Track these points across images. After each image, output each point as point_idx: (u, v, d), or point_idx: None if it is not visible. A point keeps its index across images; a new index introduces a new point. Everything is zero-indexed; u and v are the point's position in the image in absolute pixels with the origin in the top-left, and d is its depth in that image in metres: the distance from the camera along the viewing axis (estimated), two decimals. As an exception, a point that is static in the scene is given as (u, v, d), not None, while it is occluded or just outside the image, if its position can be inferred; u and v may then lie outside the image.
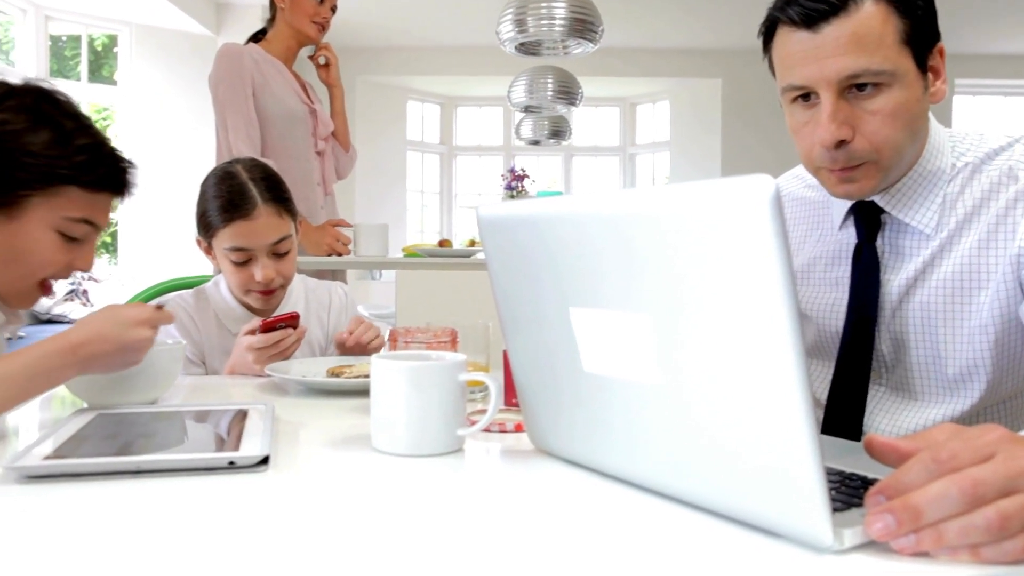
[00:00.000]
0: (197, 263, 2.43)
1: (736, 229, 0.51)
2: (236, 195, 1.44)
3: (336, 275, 2.63)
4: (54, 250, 1.05)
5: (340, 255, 2.47)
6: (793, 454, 0.53)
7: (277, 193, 1.49)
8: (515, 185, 5.14)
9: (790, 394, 0.52)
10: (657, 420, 0.64)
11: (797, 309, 0.51)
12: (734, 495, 0.59)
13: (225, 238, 1.45)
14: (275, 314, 1.42)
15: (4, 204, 1.02)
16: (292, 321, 1.34)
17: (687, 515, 0.63)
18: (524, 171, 5.29)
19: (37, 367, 0.89)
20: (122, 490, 0.69)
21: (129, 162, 1.13)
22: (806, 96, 0.96)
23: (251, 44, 2.46)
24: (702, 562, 0.54)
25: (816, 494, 0.53)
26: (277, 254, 1.48)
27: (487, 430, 0.91)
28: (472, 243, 4.17)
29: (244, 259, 1.46)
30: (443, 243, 3.05)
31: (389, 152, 7.15)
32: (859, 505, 0.60)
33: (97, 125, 1.11)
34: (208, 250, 1.52)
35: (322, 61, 2.59)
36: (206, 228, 1.48)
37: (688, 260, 0.56)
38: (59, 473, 0.72)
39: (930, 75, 0.96)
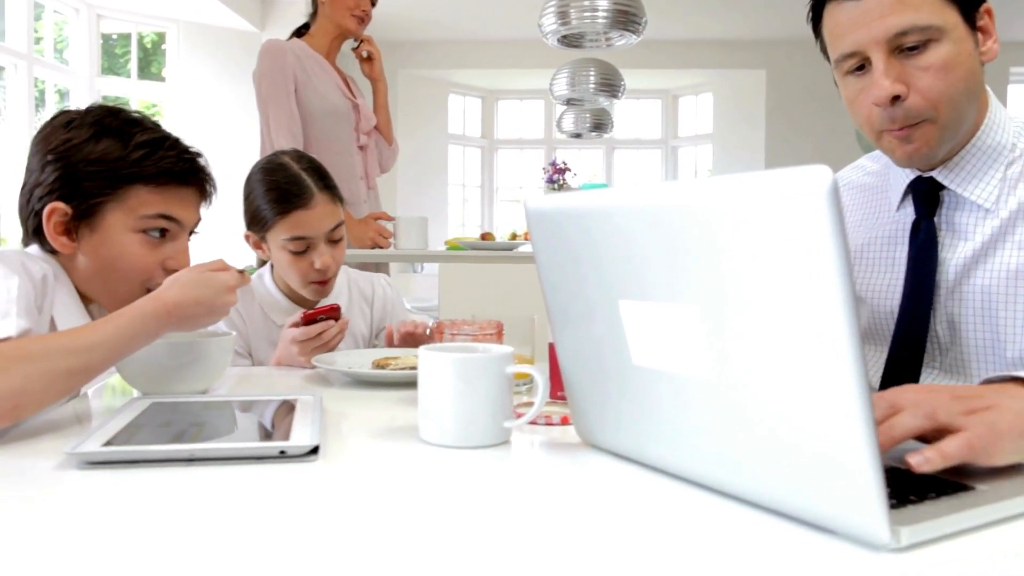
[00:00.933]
0: (242, 256, 2.47)
1: (794, 220, 0.50)
2: (292, 185, 1.46)
3: (379, 268, 2.65)
4: (141, 252, 1.10)
5: (382, 248, 2.48)
6: (849, 448, 0.52)
7: (328, 181, 1.51)
8: (556, 178, 5.12)
9: (846, 386, 0.51)
10: (707, 413, 0.63)
11: (854, 301, 0.50)
12: (786, 490, 0.58)
13: (283, 229, 1.46)
14: (316, 306, 1.43)
15: (84, 216, 1.07)
16: (333, 313, 1.35)
17: (737, 510, 0.62)
18: (565, 164, 5.26)
19: (136, 328, 0.92)
20: (176, 477, 0.71)
21: (192, 151, 1.15)
22: (860, 67, 0.97)
23: (294, 40, 2.48)
24: (753, 559, 0.53)
25: (872, 490, 0.52)
26: (332, 241, 1.50)
27: (533, 423, 0.91)
28: (513, 236, 4.17)
29: (302, 248, 1.47)
30: (485, 236, 3.05)
31: (430, 146, 7.18)
32: (915, 501, 0.59)
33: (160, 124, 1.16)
34: (258, 244, 1.54)
35: (365, 55, 2.60)
36: (259, 222, 1.50)
37: (742, 251, 0.55)
38: (117, 460, 0.74)
39: (980, 35, 0.97)
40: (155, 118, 1.22)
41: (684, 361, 0.64)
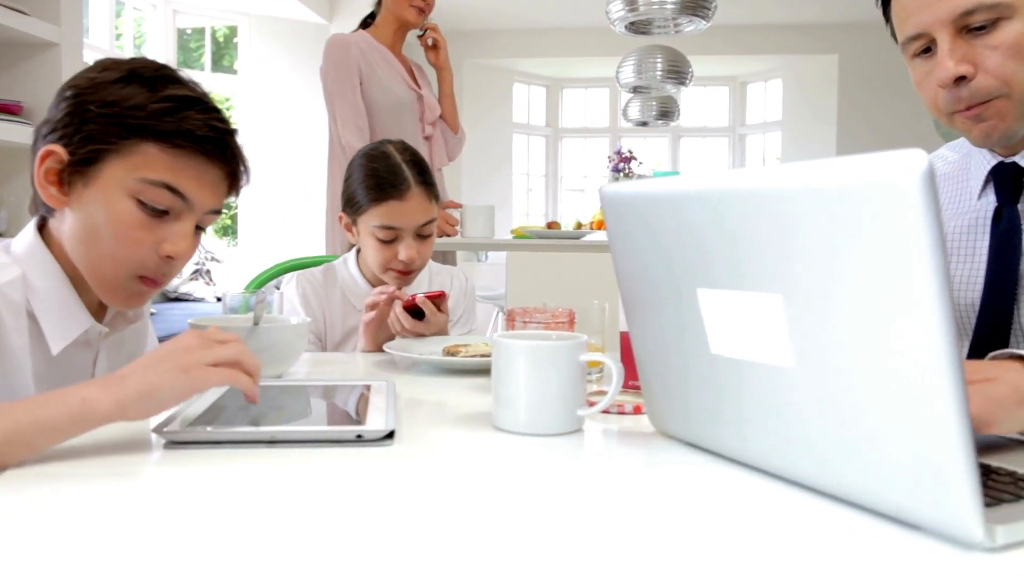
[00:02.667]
0: (314, 244, 2.52)
1: (887, 206, 0.49)
2: (391, 175, 1.49)
3: (446, 257, 2.67)
4: (132, 224, 0.91)
5: (449, 236, 2.50)
6: (941, 443, 0.50)
7: (427, 177, 1.54)
8: (622, 167, 5.08)
9: (940, 379, 0.49)
10: (789, 404, 0.62)
11: (950, 290, 0.48)
12: (873, 485, 0.57)
13: (375, 216, 1.50)
14: (414, 292, 1.44)
15: (81, 163, 0.90)
16: (439, 300, 1.37)
17: (820, 505, 0.61)
18: (631, 153, 5.21)
19: (60, 427, 0.70)
20: (256, 458, 0.72)
21: (226, 123, 0.96)
22: (926, 49, 0.95)
23: (359, 32, 2.51)
24: (838, 556, 0.52)
25: (966, 486, 0.50)
26: (421, 236, 1.53)
27: (605, 411, 0.90)
28: (579, 226, 4.15)
29: (391, 237, 1.50)
30: (551, 225, 3.05)
31: (495, 135, 7.19)
32: (1011, 500, 0.57)
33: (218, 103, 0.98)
34: (349, 226, 1.58)
35: (430, 43, 2.61)
36: (353, 205, 1.54)
37: (830, 239, 0.54)
38: (201, 440, 0.76)
39: None
40: (229, 112, 1.06)
41: (765, 350, 0.63)
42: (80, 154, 0.90)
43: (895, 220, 0.48)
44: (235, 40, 5.82)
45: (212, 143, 0.93)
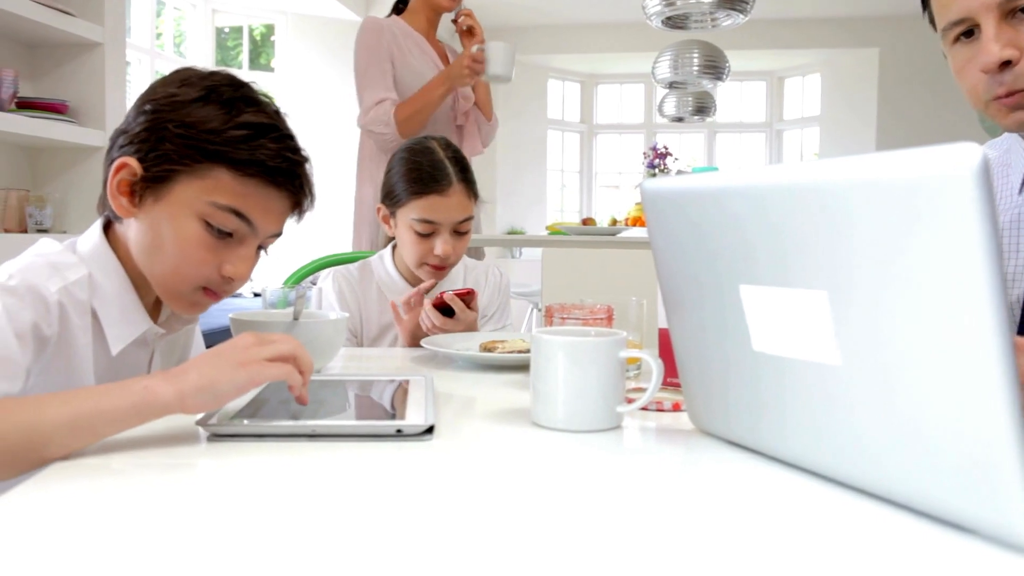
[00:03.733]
0: (348, 242, 2.53)
1: (939, 201, 0.48)
2: (433, 170, 1.50)
3: (475, 254, 2.65)
4: (197, 245, 0.94)
5: (478, 73, 2.38)
6: (994, 443, 0.49)
7: (468, 174, 1.55)
8: (657, 163, 5.05)
9: (995, 376, 0.48)
10: (834, 402, 0.61)
11: (1004, 286, 0.47)
12: (922, 486, 0.55)
13: (414, 209, 1.51)
14: (443, 290, 1.45)
15: (154, 180, 0.92)
16: (468, 297, 1.38)
17: (863, 505, 0.60)
18: (667, 149, 5.18)
19: (130, 415, 0.73)
20: (297, 451, 0.73)
21: (300, 153, 0.99)
22: (967, 32, 0.92)
23: (392, 17, 2.47)
24: (882, 558, 0.51)
25: (1019, 487, 0.49)
26: (458, 232, 1.54)
27: (644, 408, 0.90)
28: (614, 222, 4.13)
29: (428, 231, 1.51)
30: (586, 221, 3.04)
31: (529, 131, 7.18)
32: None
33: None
34: (387, 219, 1.59)
35: (465, 28, 2.54)
36: (392, 197, 1.55)
37: (878, 234, 0.53)
38: (244, 434, 0.77)
39: None
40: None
41: (809, 348, 0.62)
42: (154, 171, 0.92)
43: (949, 214, 0.47)
44: (272, 38, 5.88)
45: (283, 174, 0.96)
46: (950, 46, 0.96)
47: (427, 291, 1.40)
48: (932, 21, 0.99)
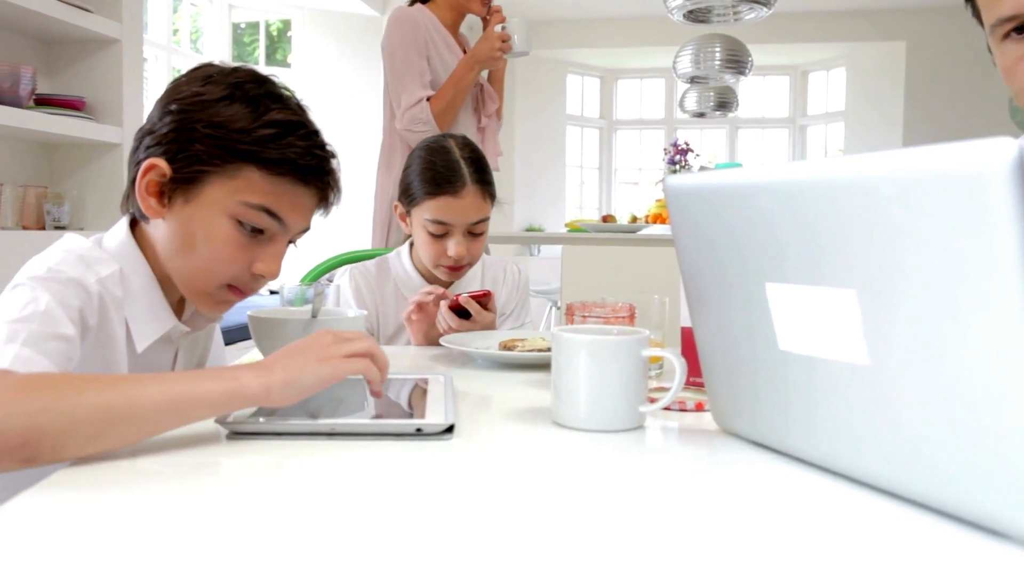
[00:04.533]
0: (369, 239, 2.54)
1: (972, 197, 0.47)
2: (448, 171, 1.50)
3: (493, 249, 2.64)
4: (229, 243, 0.95)
5: (506, 51, 2.37)
6: (1029, 446, 0.48)
7: (485, 175, 1.54)
8: (678, 159, 5.03)
9: (1030, 380, 0.47)
10: (862, 403, 0.60)
11: (1041, 286, 0.46)
12: (954, 489, 0.55)
13: (428, 209, 1.51)
14: (461, 290, 1.45)
15: (184, 181, 0.93)
16: (484, 299, 1.38)
17: (895, 508, 0.59)
18: (688, 145, 5.16)
19: (222, 403, 0.74)
20: (316, 449, 0.73)
21: (327, 149, 1.00)
22: (1019, 28, 0.89)
23: (418, 6, 2.42)
24: (913, 564, 0.51)
25: (1057, 491, 0.48)
26: (472, 233, 1.54)
27: (667, 408, 0.90)
28: (634, 219, 4.12)
29: (441, 232, 1.51)
30: (606, 219, 3.03)
31: (548, 127, 7.18)
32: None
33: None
34: (403, 216, 1.60)
35: (498, 29, 2.45)
36: (408, 195, 1.55)
37: (909, 231, 0.52)
38: (262, 432, 0.77)
39: None
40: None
41: (837, 347, 0.61)
42: (184, 172, 0.93)
43: (985, 210, 0.47)
44: (289, 34, 5.91)
45: (312, 171, 0.97)
46: (999, 42, 0.93)
47: (439, 298, 1.40)
48: (976, 14, 0.96)
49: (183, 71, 1.01)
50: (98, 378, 0.73)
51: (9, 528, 0.53)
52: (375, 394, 0.85)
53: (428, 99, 2.29)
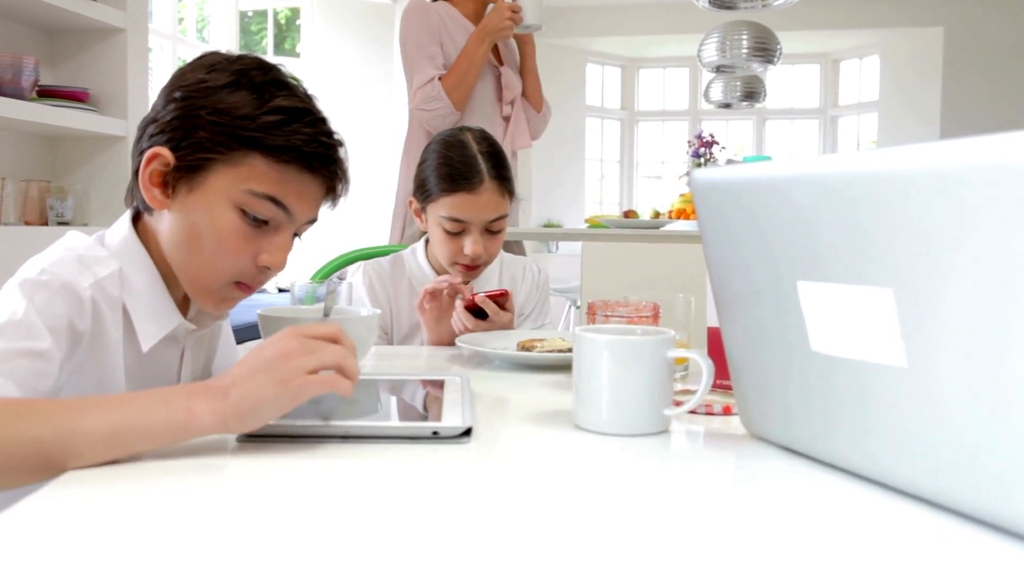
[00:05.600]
0: (379, 234, 2.55)
1: (1018, 189, 0.47)
2: (464, 166, 1.49)
3: (514, 248, 2.66)
4: (234, 234, 0.95)
5: (518, 23, 2.41)
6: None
7: (503, 171, 1.53)
8: (703, 152, 5.01)
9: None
10: (899, 407, 0.60)
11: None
12: (991, 497, 0.55)
13: (444, 206, 1.50)
14: (478, 289, 1.45)
15: (188, 170, 0.94)
16: (502, 298, 1.38)
17: (931, 517, 0.59)
18: (713, 137, 5.14)
19: (168, 427, 0.72)
20: (329, 452, 0.74)
21: (334, 137, 0.99)
22: None
23: (439, 1, 2.49)
24: (950, 570, 0.50)
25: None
26: (490, 231, 1.53)
27: (693, 412, 0.90)
28: (656, 215, 4.11)
29: (458, 230, 1.51)
30: (628, 214, 3.03)
31: (567, 119, 7.16)
32: None
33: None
34: (418, 212, 1.59)
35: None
36: (424, 192, 1.55)
37: (951, 228, 0.52)
38: (275, 434, 0.78)
39: None
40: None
41: (872, 348, 0.61)
42: (188, 160, 0.94)
43: (1028, 206, 0.46)
44: (297, 22, 5.93)
45: (318, 159, 0.97)
46: None
47: (454, 294, 1.40)
48: None
49: (188, 60, 1.01)
50: (38, 407, 0.72)
51: (18, 528, 0.54)
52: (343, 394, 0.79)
53: (440, 78, 2.33)
